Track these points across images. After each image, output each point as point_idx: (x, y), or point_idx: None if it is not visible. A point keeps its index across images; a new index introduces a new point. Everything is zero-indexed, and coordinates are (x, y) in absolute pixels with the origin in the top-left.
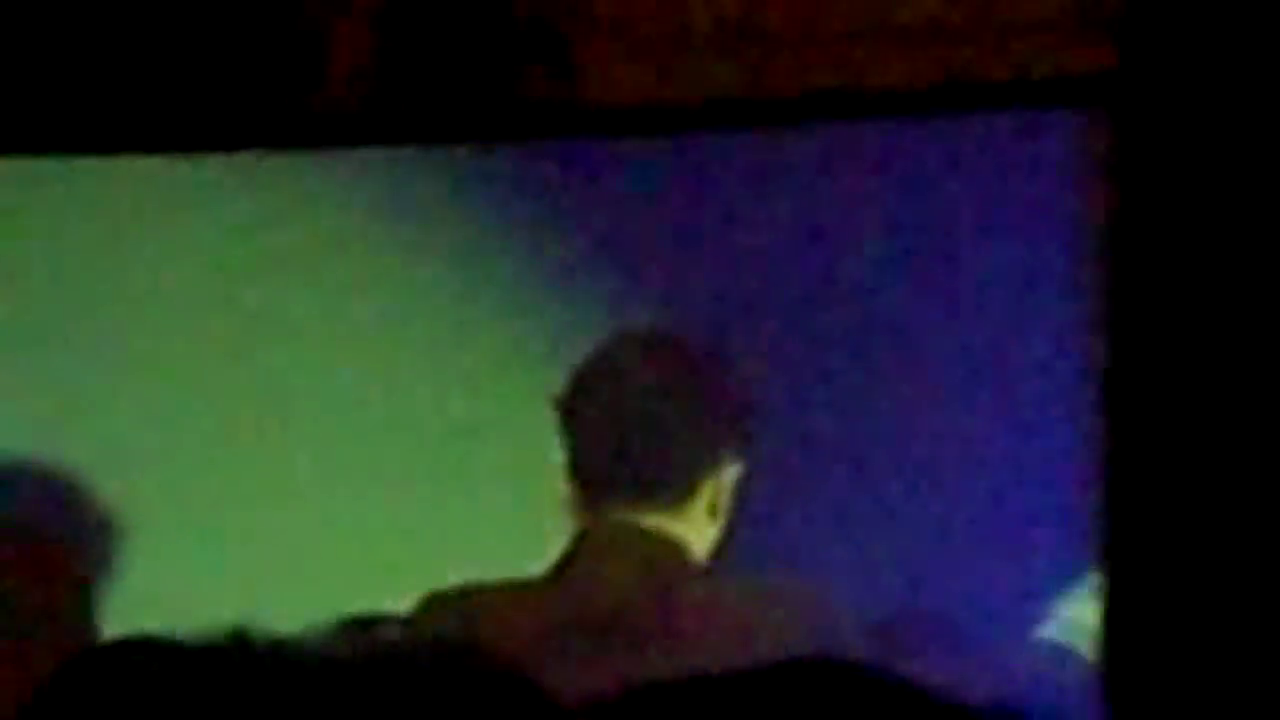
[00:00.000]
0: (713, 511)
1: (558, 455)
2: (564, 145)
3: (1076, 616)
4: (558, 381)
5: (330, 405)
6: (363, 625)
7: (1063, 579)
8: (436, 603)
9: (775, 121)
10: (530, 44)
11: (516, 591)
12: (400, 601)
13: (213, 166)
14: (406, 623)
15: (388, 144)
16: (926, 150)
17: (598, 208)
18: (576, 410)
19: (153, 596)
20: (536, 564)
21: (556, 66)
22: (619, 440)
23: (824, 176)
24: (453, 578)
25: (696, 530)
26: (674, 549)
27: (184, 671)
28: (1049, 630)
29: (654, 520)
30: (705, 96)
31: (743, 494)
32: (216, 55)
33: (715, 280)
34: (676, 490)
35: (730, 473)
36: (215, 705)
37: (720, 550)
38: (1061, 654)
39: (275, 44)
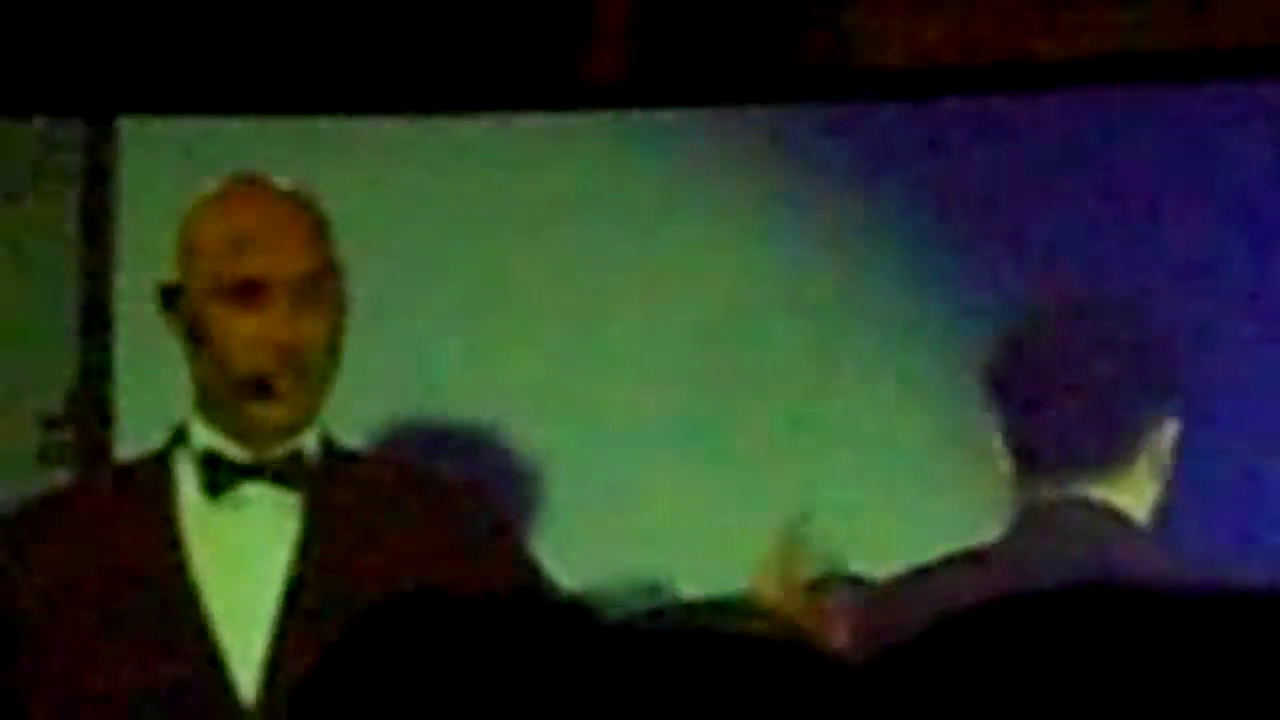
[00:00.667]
0: (1153, 474)
1: (990, 428)
2: (840, 108)
3: None
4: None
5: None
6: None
7: None
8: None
9: (1072, 82)
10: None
11: (963, 565)
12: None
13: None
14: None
15: (660, 107)
16: (1204, 116)
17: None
18: (1007, 381)
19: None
20: (979, 538)
21: (834, 30)
22: (1054, 410)
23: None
24: (893, 551)
25: (1138, 496)
26: (1117, 518)
27: (469, 630)
28: None
29: (1095, 490)
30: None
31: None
32: (484, 21)
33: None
34: (1116, 457)
35: (1168, 433)
36: (497, 662)
37: (1161, 512)
38: None
39: (542, 10)
